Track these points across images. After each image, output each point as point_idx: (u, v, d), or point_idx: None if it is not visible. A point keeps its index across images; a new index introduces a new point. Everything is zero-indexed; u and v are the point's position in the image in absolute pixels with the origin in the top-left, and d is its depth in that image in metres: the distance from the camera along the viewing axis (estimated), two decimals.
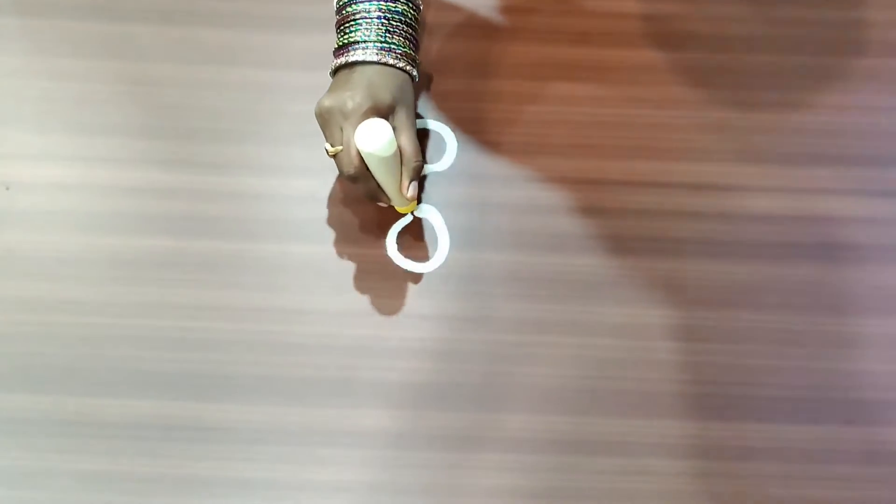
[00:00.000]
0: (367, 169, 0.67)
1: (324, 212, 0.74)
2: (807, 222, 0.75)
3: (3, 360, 0.68)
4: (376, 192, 0.70)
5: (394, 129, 0.68)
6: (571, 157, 0.77)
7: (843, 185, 0.77)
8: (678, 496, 0.65)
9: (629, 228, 0.74)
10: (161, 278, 0.71)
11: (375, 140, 0.65)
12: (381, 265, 0.72)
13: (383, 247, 0.73)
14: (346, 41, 0.71)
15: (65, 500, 0.64)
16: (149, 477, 0.64)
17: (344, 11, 0.72)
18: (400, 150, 0.68)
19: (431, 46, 0.82)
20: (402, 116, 0.69)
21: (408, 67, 0.71)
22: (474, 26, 0.84)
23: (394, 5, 0.71)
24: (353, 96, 0.67)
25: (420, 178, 0.73)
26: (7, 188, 0.74)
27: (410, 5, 0.73)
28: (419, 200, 0.75)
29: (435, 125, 0.78)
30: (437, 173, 0.76)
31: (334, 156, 0.68)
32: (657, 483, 0.65)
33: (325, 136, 0.69)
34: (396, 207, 0.73)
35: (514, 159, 0.77)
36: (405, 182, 0.69)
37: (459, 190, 0.75)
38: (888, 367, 0.70)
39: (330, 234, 0.73)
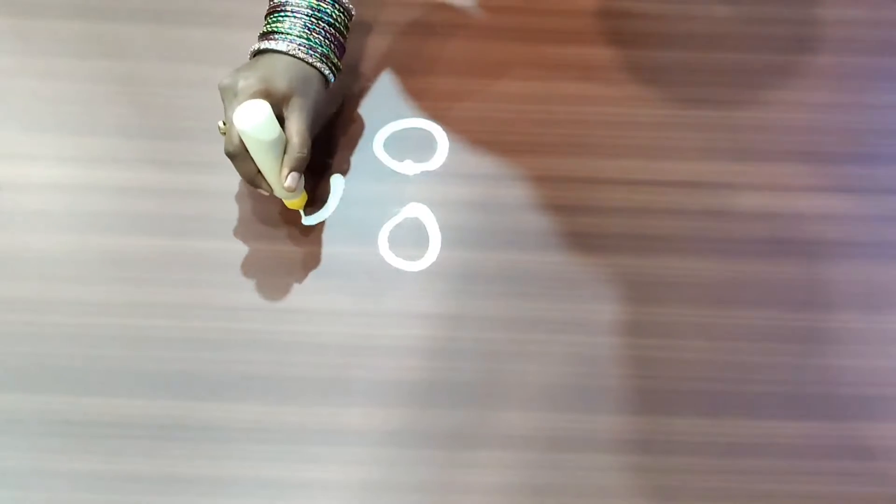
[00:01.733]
0: (247, 151, 0.68)
1: (315, 211, 0.74)
2: (791, 219, 0.76)
3: None
4: (254, 177, 0.69)
5: (287, 118, 0.68)
6: (561, 156, 0.78)
7: (827, 182, 0.78)
8: (669, 492, 0.65)
9: (620, 226, 0.75)
10: (153, 278, 0.71)
11: (250, 120, 0.65)
12: (373, 264, 0.72)
13: (375, 245, 0.73)
14: (269, 29, 0.72)
15: (58, 500, 0.63)
16: (142, 476, 0.64)
17: (275, 0, 0.73)
18: (287, 140, 0.68)
19: (420, 47, 0.83)
20: (295, 107, 0.69)
21: (318, 65, 0.72)
22: (463, 26, 0.84)
23: (325, 6, 0.72)
24: (247, 77, 0.68)
25: (311, 183, 0.75)
26: (0, 189, 0.74)
27: (340, 9, 0.74)
28: (311, 203, 0.75)
29: (426, 124, 0.79)
30: (428, 172, 0.77)
31: (224, 133, 0.69)
32: (649, 479, 0.65)
33: (225, 113, 0.69)
34: (285, 202, 0.73)
35: (505, 158, 0.77)
36: (284, 170, 0.68)
37: (450, 189, 0.76)
38: (873, 362, 0.70)
39: (322, 234, 0.73)
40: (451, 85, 0.81)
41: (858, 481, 0.66)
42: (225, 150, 0.68)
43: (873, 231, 0.76)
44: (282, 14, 0.72)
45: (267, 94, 0.68)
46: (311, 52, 0.71)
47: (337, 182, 0.76)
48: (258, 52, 0.72)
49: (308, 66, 0.71)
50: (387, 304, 0.71)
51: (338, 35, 0.74)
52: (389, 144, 0.78)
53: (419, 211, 0.75)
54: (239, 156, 0.68)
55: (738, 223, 0.75)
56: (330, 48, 0.73)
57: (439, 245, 0.73)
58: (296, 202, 0.73)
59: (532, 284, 0.72)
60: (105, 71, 0.81)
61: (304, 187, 0.73)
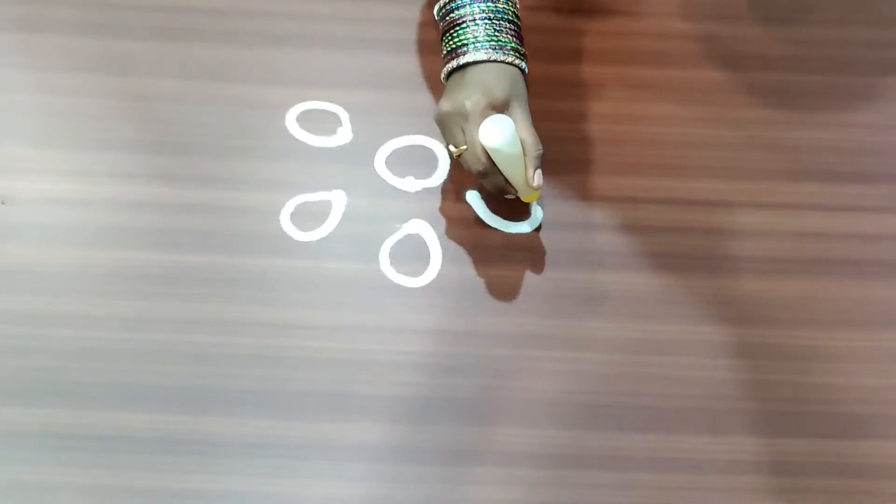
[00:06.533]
0: (493, 164, 0.70)
1: (317, 227, 0.75)
2: (797, 237, 0.76)
3: (0, 374, 0.68)
4: (504, 186, 0.72)
5: (514, 121, 0.70)
6: (560, 173, 0.78)
7: (874, 203, 0.78)
8: None
9: (621, 244, 0.75)
10: (157, 292, 0.71)
11: (500, 136, 0.68)
12: (375, 280, 0.73)
13: (377, 262, 0.73)
14: (455, 45, 0.73)
15: None
16: (145, 490, 0.64)
17: (448, 18, 0.74)
18: (521, 141, 0.70)
19: (424, 64, 0.83)
20: (517, 109, 0.71)
21: (517, 61, 0.73)
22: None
23: (495, 4, 0.73)
24: (469, 96, 0.70)
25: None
26: (3, 202, 0.75)
27: (510, 2, 0.75)
28: None
29: (427, 141, 0.79)
30: (429, 189, 0.77)
31: (458, 156, 0.71)
32: (652, 497, 0.65)
33: (447, 139, 0.72)
34: (522, 197, 0.73)
35: None
36: (530, 171, 0.70)
37: (451, 205, 0.76)
38: (881, 381, 0.70)
39: (324, 250, 0.74)
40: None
41: (857, 499, 0.66)
42: (473, 170, 0.71)
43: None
44: (462, 27, 0.73)
45: (492, 107, 0.70)
46: (504, 51, 0.72)
47: (339, 198, 0.76)
48: (456, 69, 0.73)
49: (509, 66, 0.72)
50: (388, 319, 0.71)
51: (516, 27, 0.75)
52: (391, 161, 0.78)
53: (420, 227, 0.75)
54: (489, 172, 0.70)
55: (730, 241, 0.76)
56: (515, 41, 0.74)
57: (440, 261, 0.74)
58: (533, 196, 0.74)
59: (532, 301, 0.72)
60: (113, 87, 0.81)
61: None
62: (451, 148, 0.71)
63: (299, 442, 0.66)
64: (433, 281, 0.73)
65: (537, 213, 0.76)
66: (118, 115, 0.80)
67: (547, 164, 0.77)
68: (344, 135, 0.79)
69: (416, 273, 0.73)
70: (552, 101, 0.81)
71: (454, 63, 0.72)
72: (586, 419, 0.68)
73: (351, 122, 0.80)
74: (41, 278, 0.72)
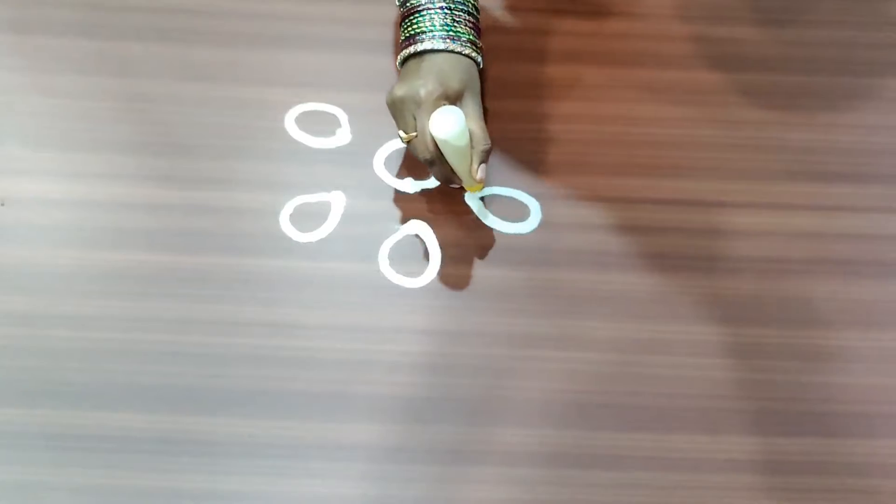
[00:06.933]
0: (441, 154, 0.70)
1: (316, 228, 0.75)
2: (795, 238, 0.77)
3: None
4: (450, 175, 0.72)
5: (465, 114, 0.70)
6: (562, 175, 0.78)
7: (871, 203, 0.79)
8: None
9: (621, 244, 0.75)
10: (154, 293, 0.71)
11: (450, 127, 0.67)
12: (374, 281, 0.73)
13: (376, 262, 0.74)
14: (412, 31, 0.73)
15: None
16: (142, 490, 0.64)
17: (408, 4, 0.75)
18: (470, 134, 0.70)
19: None
20: (469, 102, 0.72)
21: (473, 54, 0.73)
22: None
23: None
24: (424, 84, 0.70)
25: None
26: (2, 204, 0.75)
27: None
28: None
29: None
30: (427, 189, 0.77)
31: (408, 142, 0.71)
32: (649, 496, 0.66)
33: (398, 124, 0.72)
34: (465, 187, 0.75)
35: (504, 176, 0.78)
36: (475, 165, 0.70)
37: (450, 206, 0.76)
38: (880, 381, 0.71)
39: (322, 250, 0.74)
40: None
41: (857, 499, 0.66)
42: (421, 158, 0.71)
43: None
44: (420, 14, 0.73)
45: (446, 97, 0.70)
46: (461, 43, 0.73)
47: (338, 199, 0.76)
48: (411, 56, 0.73)
49: (464, 57, 0.73)
50: (387, 320, 0.71)
51: (474, 20, 0.75)
52: (390, 162, 0.78)
53: (419, 228, 0.75)
54: (437, 161, 0.70)
55: (725, 241, 0.76)
56: (473, 34, 0.74)
57: (439, 262, 0.74)
58: (476, 187, 0.75)
59: (531, 301, 0.72)
60: (109, 88, 0.81)
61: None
62: (402, 134, 0.72)
63: (299, 442, 0.66)
64: (432, 281, 0.73)
65: (536, 213, 0.76)
66: (117, 117, 0.80)
67: (545, 165, 0.78)
68: (343, 136, 0.79)
69: (416, 274, 0.73)
70: (550, 102, 0.82)
71: (411, 49, 0.73)
72: (585, 419, 0.68)
73: (350, 123, 0.80)
74: (40, 279, 0.72)
